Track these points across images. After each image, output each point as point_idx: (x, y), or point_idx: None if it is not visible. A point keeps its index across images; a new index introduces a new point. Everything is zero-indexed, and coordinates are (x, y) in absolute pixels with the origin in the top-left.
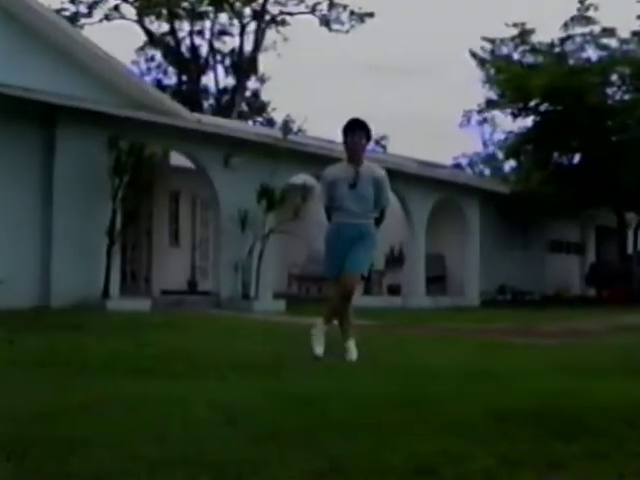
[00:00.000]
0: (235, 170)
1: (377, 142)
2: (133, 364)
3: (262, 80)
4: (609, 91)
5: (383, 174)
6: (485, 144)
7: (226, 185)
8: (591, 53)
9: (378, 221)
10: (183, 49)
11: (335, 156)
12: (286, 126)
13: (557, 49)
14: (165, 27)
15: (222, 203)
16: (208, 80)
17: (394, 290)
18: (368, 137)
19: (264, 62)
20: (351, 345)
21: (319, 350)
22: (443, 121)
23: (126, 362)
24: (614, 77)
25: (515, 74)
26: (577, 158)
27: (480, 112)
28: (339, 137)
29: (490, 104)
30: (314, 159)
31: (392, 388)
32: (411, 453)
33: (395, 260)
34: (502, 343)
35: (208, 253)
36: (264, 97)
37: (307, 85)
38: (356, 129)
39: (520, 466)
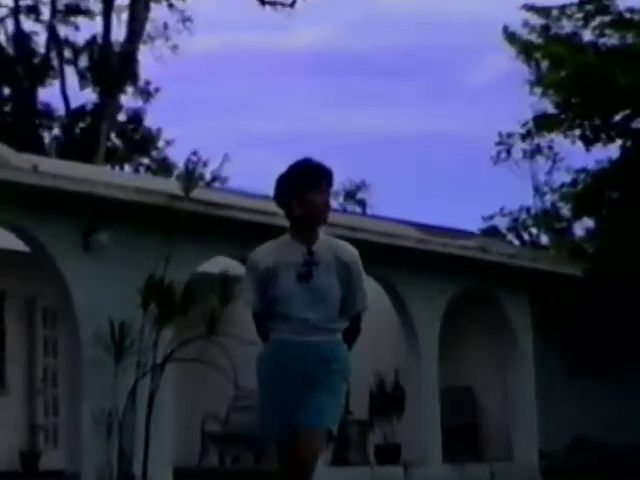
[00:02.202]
0: (102, 254)
1: (350, 196)
2: None
3: (146, 93)
4: None
5: (354, 254)
6: (538, 191)
7: (87, 281)
8: None
9: (349, 336)
10: (2, 39)
11: (278, 224)
12: (190, 173)
13: None
14: None
15: (80, 312)
16: (50, 94)
17: (388, 454)
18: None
19: (149, 62)
20: None
21: None
22: (463, 154)
23: None
24: None
25: (586, 67)
26: None
27: (527, 137)
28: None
29: (543, 122)
30: (241, 230)
31: None
32: None
33: (387, 401)
34: None
35: (58, 402)
36: (150, 122)
37: (227, 100)
38: (316, 182)
39: None
